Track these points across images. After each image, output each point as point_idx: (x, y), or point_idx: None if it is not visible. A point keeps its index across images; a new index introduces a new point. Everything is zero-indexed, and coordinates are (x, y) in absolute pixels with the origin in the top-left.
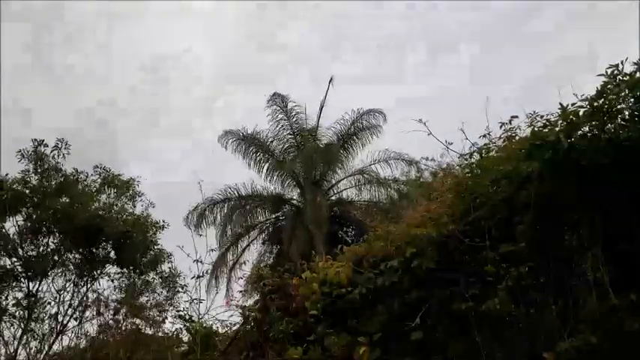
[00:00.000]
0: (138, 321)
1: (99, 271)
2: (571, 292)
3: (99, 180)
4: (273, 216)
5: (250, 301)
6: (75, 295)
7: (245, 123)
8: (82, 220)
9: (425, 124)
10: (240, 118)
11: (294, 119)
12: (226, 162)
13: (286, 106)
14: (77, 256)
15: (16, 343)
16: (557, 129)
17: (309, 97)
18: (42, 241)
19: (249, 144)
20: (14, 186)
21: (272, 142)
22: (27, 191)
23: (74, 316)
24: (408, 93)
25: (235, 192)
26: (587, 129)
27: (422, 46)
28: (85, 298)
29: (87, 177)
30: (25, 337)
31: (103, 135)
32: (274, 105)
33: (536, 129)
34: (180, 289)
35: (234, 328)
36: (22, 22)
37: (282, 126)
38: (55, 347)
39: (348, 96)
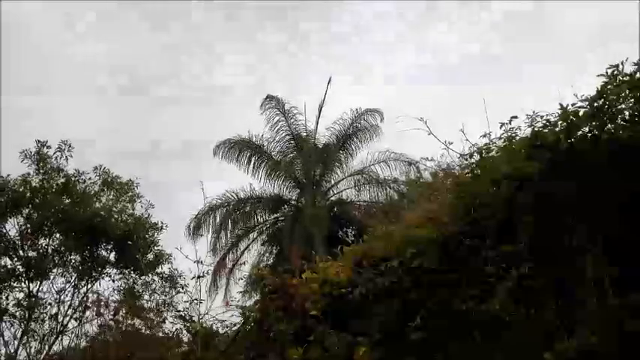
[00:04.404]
0: (138, 321)
1: (99, 272)
2: (571, 292)
3: (99, 181)
4: (273, 217)
5: (250, 302)
6: (75, 295)
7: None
8: (83, 220)
9: (425, 122)
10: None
11: (291, 120)
12: (227, 168)
13: (283, 107)
14: (78, 257)
15: (16, 343)
16: (557, 129)
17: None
18: (43, 241)
19: (243, 148)
20: (15, 187)
21: (269, 144)
22: (27, 193)
23: (74, 316)
24: None
25: (234, 195)
26: (587, 129)
27: None
28: (85, 299)
29: (88, 178)
30: (25, 337)
31: None
32: (270, 107)
33: (536, 129)
34: (180, 290)
35: (235, 328)
36: None
37: (281, 127)
38: (55, 347)
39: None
